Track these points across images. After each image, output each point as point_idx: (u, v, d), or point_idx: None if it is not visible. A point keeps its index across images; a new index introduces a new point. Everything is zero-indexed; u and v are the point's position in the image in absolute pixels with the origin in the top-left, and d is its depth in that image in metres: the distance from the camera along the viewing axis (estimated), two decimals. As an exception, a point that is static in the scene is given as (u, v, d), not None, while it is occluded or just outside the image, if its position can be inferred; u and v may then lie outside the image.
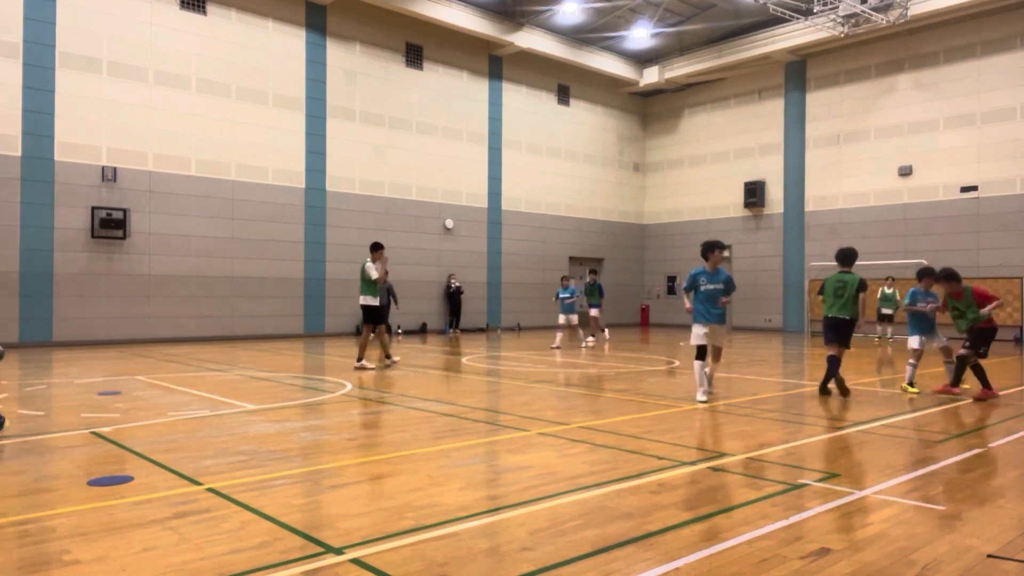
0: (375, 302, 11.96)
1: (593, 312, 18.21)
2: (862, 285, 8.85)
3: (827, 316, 9.10)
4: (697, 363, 8.55)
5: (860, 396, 9.14)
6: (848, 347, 9.06)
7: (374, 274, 11.77)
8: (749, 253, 26.01)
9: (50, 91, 16.11)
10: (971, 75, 20.81)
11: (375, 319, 12.07)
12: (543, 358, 14.18)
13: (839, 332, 8.94)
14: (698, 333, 8.62)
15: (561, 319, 17.19)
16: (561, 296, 17.22)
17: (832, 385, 9.06)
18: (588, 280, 18.78)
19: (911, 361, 9.54)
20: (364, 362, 11.83)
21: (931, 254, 21.10)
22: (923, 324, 9.60)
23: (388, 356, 12.35)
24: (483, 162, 24.04)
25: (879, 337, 19.76)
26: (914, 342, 9.54)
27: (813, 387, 9.88)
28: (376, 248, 12.08)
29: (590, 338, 17.87)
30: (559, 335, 17.21)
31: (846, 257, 9.16)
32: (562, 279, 17.88)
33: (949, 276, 9.20)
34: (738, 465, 5.38)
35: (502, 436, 6.50)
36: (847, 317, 8.89)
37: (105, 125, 16.85)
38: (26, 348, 15.54)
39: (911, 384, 9.46)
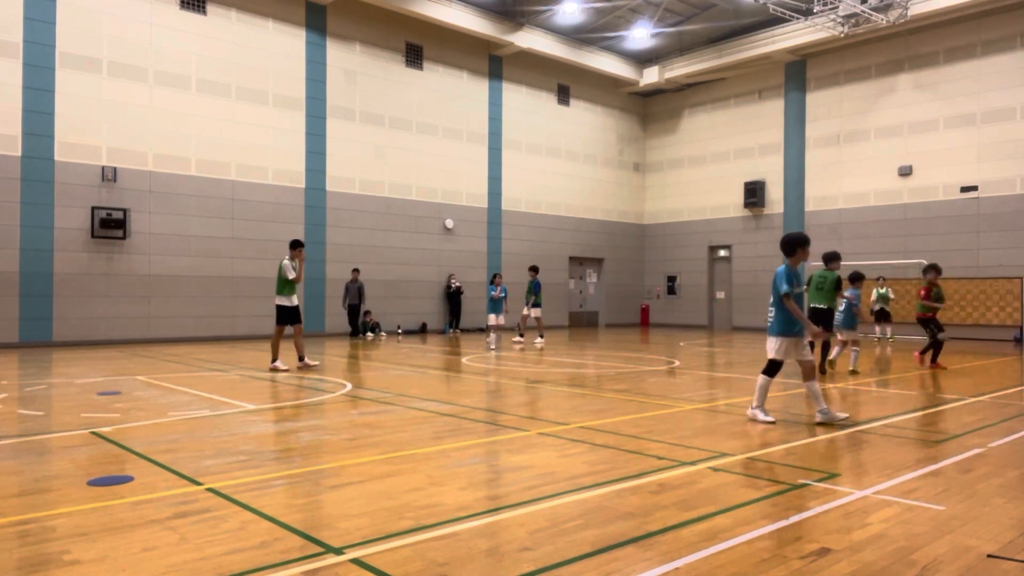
0: (289, 302, 11.69)
1: (535, 312, 17.69)
2: (838, 283, 10.73)
3: (809, 306, 10.79)
4: (763, 378, 7.20)
5: (860, 396, 9.15)
6: (831, 331, 10.90)
7: (291, 274, 11.56)
8: (749, 253, 26.00)
9: (50, 91, 16.11)
10: (971, 75, 20.81)
11: (290, 319, 11.74)
12: (543, 358, 14.18)
13: (820, 319, 10.54)
14: (778, 347, 7.19)
15: (492, 319, 16.25)
16: (494, 295, 16.31)
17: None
18: (529, 278, 18.07)
19: (855, 348, 11.79)
20: (278, 363, 11.60)
21: (931, 254, 21.10)
22: (854, 319, 12.15)
23: (302, 359, 11.83)
24: (483, 162, 24.04)
25: (879, 337, 19.76)
26: (853, 334, 12.08)
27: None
28: (296, 246, 11.86)
29: (517, 338, 17.44)
30: (493, 335, 16.11)
31: (831, 258, 10.95)
32: (494, 277, 16.86)
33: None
34: (738, 465, 5.37)
35: (502, 436, 6.50)
36: (824, 307, 10.64)
37: (105, 125, 16.85)
38: (26, 348, 15.54)
39: (855, 370, 11.63)
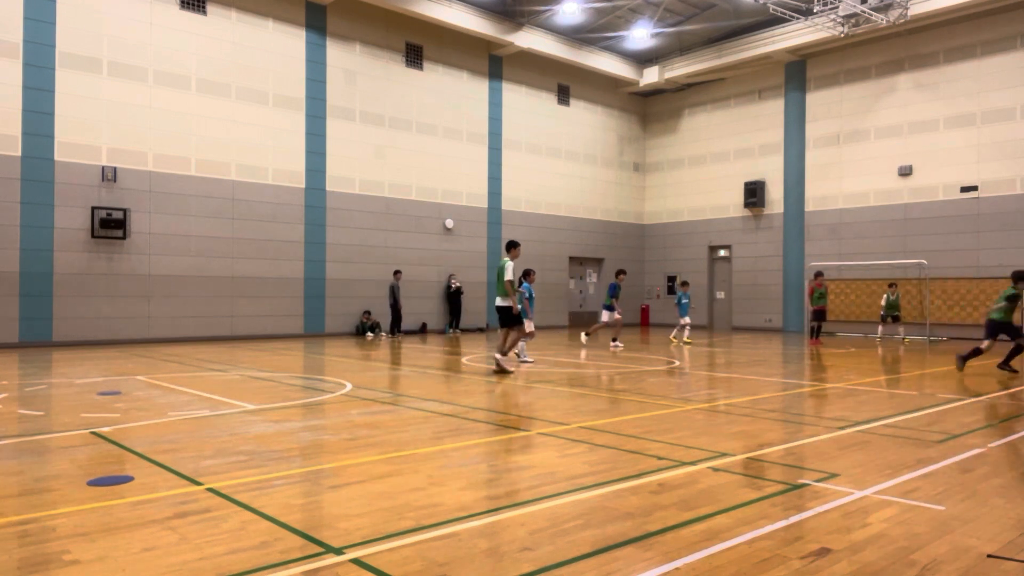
0: (505, 302, 11.60)
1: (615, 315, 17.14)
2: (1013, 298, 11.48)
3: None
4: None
5: (861, 396, 9.15)
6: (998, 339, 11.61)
7: (509, 274, 11.49)
8: (749, 253, 26.01)
9: (50, 91, 16.11)
10: (971, 75, 20.81)
11: (512, 320, 11.67)
12: (543, 358, 14.17)
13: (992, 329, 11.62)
14: None
15: (530, 326, 12.73)
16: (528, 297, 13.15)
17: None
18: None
19: (688, 328, 18.57)
20: (508, 359, 11.75)
21: (931, 254, 21.11)
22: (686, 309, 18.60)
23: (501, 355, 11.89)
24: (483, 162, 24.04)
25: (901, 337, 19.74)
26: (687, 320, 18.49)
27: (813, 387, 9.89)
28: (513, 247, 11.85)
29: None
30: (522, 343, 13.08)
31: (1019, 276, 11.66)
32: (529, 273, 13.41)
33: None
34: (738, 465, 5.38)
35: (502, 436, 6.50)
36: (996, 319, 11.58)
37: (105, 125, 16.85)
38: (26, 348, 15.54)
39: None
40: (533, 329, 12.87)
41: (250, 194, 19.03)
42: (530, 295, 13.06)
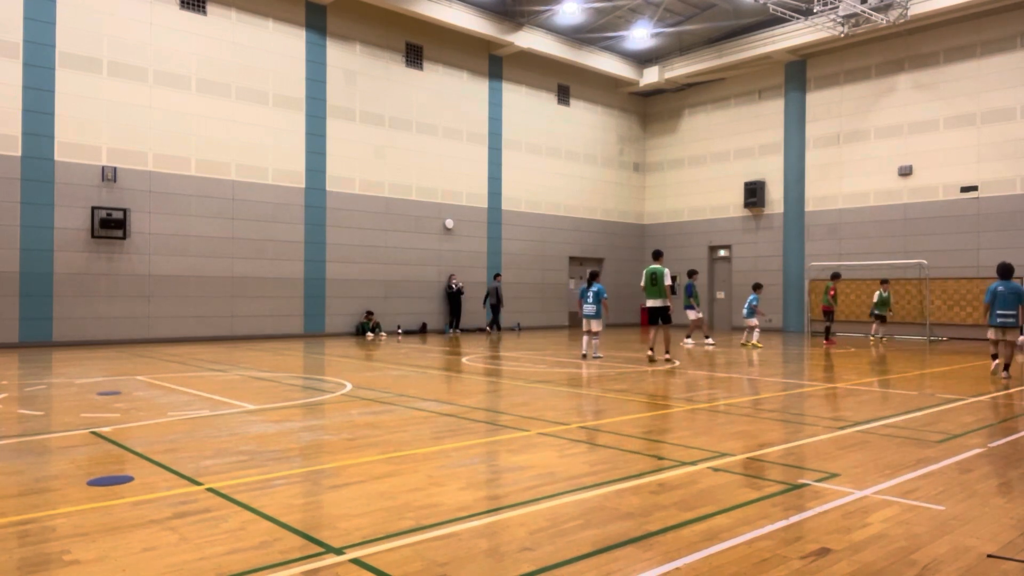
0: (664, 303, 13.56)
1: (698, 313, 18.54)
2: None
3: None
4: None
5: (860, 395, 9.15)
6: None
7: (669, 279, 13.48)
8: (749, 253, 26.00)
9: (50, 91, 16.11)
10: (971, 75, 20.80)
11: (665, 319, 13.60)
12: (543, 358, 14.17)
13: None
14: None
15: (596, 325, 13.99)
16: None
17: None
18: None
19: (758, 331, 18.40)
20: (668, 355, 13.46)
21: (931, 254, 21.11)
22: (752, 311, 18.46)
23: (653, 352, 13.56)
24: (483, 162, 24.04)
25: (874, 336, 19.69)
26: (754, 321, 18.51)
27: (813, 387, 9.88)
28: (661, 255, 14.23)
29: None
30: (596, 341, 14.06)
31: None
32: (596, 275, 14.57)
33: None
34: (738, 465, 5.38)
35: (502, 436, 6.50)
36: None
37: (105, 125, 16.85)
38: (26, 348, 15.54)
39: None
40: (601, 328, 14.28)
41: (250, 194, 19.02)
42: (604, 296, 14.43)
